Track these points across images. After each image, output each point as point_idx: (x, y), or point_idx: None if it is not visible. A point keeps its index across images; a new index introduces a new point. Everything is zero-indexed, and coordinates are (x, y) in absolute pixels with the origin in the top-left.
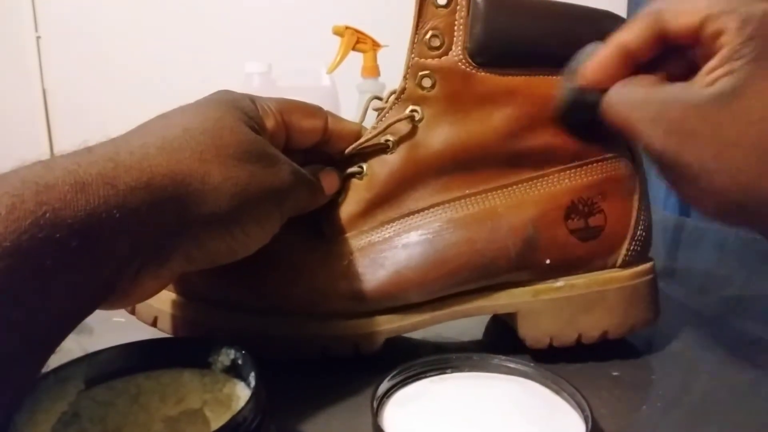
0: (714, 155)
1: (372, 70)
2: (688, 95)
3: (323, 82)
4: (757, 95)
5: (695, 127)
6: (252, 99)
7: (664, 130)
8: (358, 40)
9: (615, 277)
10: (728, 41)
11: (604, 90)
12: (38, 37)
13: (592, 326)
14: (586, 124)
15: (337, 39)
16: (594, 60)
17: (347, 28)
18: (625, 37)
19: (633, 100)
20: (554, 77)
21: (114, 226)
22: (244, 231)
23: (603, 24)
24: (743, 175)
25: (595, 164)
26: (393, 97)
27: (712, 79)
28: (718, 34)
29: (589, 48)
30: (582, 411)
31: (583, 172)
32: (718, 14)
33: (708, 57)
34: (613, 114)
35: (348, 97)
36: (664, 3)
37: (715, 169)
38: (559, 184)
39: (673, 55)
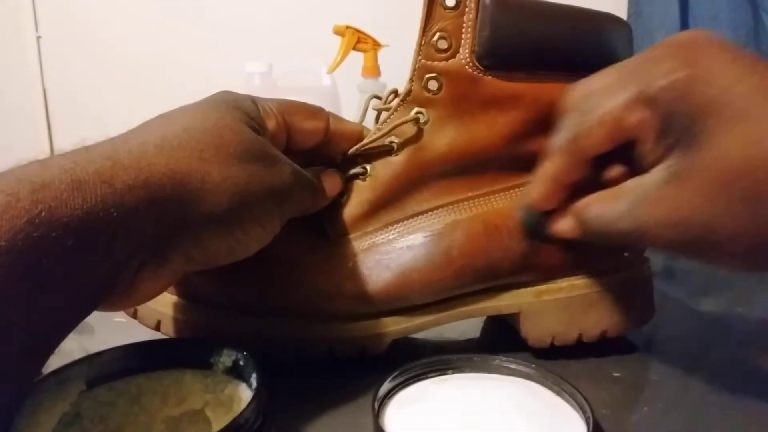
0: (704, 223)
1: (373, 70)
2: (645, 188)
3: (324, 81)
4: (701, 154)
5: (672, 211)
6: (253, 100)
7: (657, 231)
8: (359, 40)
9: (614, 277)
10: (649, 127)
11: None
12: (38, 37)
13: (592, 325)
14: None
15: (338, 39)
16: (536, 191)
17: (348, 27)
18: (553, 169)
19: (609, 219)
20: (559, 83)
21: (112, 225)
22: (243, 231)
23: (606, 27)
24: (741, 221)
25: None
26: (398, 99)
27: (652, 161)
28: (635, 127)
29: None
30: (583, 412)
31: None
32: (624, 111)
33: (636, 144)
34: (599, 236)
35: (349, 97)
36: (571, 124)
37: (720, 231)
38: None
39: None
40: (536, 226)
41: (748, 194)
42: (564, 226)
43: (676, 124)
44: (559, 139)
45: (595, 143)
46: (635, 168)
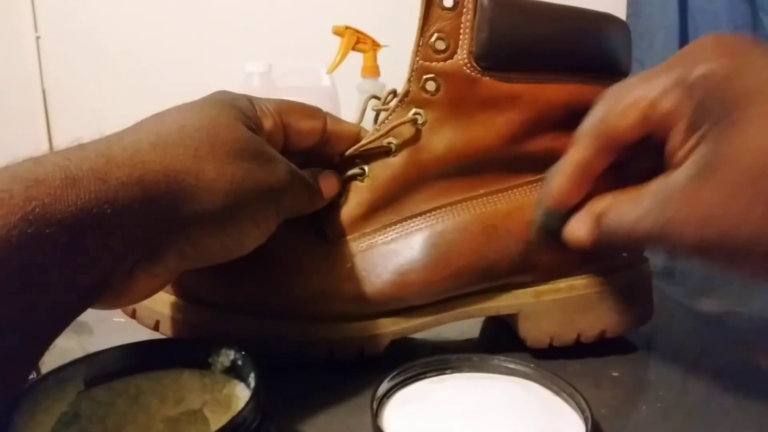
0: (731, 217)
1: (372, 70)
2: (670, 188)
3: (323, 82)
4: (732, 146)
5: (700, 207)
6: (250, 99)
7: (682, 232)
8: (358, 40)
9: (613, 278)
10: (682, 114)
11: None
12: (38, 38)
13: (590, 326)
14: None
15: (337, 39)
16: (556, 183)
17: (347, 28)
18: (579, 156)
19: (629, 220)
20: (557, 84)
21: (105, 221)
22: (238, 229)
23: (604, 27)
24: (765, 220)
25: None
26: (396, 99)
27: (681, 156)
28: (669, 113)
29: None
30: (582, 411)
31: None
32: (660, 96)
33: (667, 137)
34: (617, 238)
35: (348, 97)
36: (603, 109)
37: (744, 229)
38: None
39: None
40: (551, 230)
41: None
42: (580, 230)
43: (709, 114)
44: (587, 125)
45: (626, 127)
46: (660, 171)
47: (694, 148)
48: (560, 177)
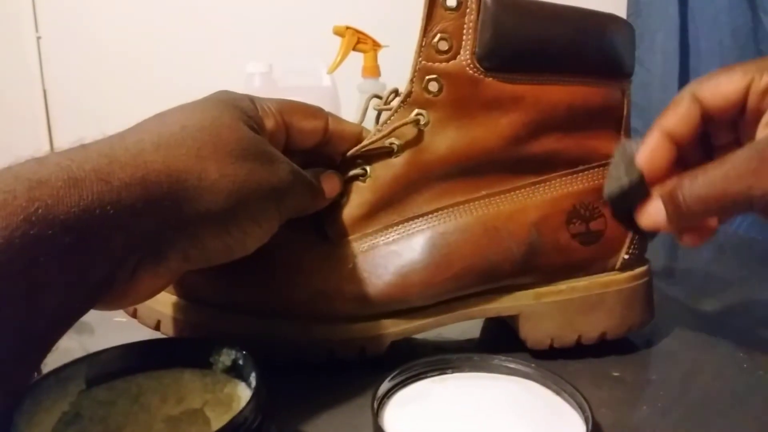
0: None
1: (372, 71)
2: (763, 147)
3: (324, 82)
4: None
5: None
6: (251, 99)
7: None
8: (359, 41)
9: (614, 279)
10: None
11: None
12: (39, 38)
13: (591, 327)
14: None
15: (338, 39)
16: (644, 148)
17: (348, 28)
18: (668, 122)
19: (717, 184)
20: (560, 85)
21: (108, 222)
22: (241, 229)
23: (608, 27)
24: None
25: (596, 169)
26: (398, 100)
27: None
28: (765, 91)
29: (631, 144)
30: (582, 411)
31: (584, 177)
32: (760, 76)
33: (757, 117)
34: (703, 203)
35: (349, 97)
36: (698, 83)
37: None
38: (561, 189)
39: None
40: (624, 209)
41: None
42: (654, 209)
43: None
44: (681, 92)
45: (719, 100)
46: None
47: None
48: (649, 139)
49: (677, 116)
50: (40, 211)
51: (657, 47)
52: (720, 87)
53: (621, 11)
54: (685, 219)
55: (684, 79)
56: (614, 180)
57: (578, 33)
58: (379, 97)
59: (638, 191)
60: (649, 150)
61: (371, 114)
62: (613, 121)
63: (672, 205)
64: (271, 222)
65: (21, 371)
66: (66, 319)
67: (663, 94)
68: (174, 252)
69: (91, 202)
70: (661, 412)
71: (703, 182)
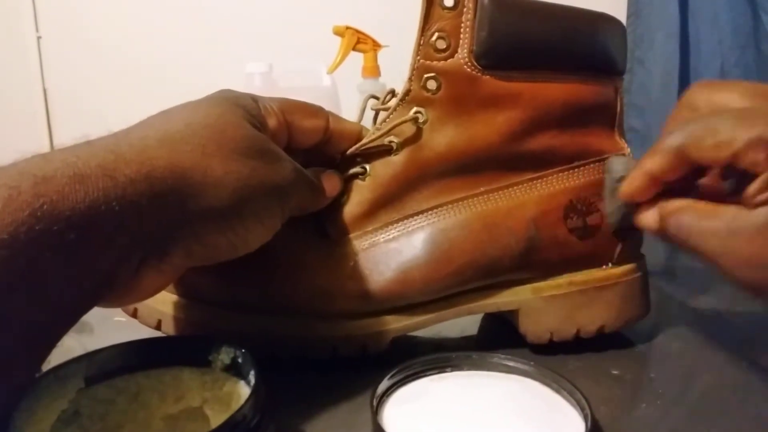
0: None
1: (372, 71)
2: (744, 223)
3: (324, 82)
4: None
5: (764, 253)
6: (254, 98)
7: (739, 263)
8: (359, 41)
9: (611, 273)
10: (764, 168)
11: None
12: (39, 38)
13: (589, 321)
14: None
15: (338, 39)
16: (627, 184)
17: (348, 28)
18: (651, 166)
19: (695, 232)
20: (556, 83)
21: (113, 218)
22: (244, 226)
23: (601, 26)
24: None
25: (592, 165)
26: (397, 98)
27: (761, 201)
28: (759, 162)
29: (617, 164)
30: (581, 409)
31: (581, 173)
32: (755, 144)
33: (746, 172)
34: (679, 241)
35: (348, 97)
36: (691, 134)
37: None
38: (558, 185)
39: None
40: (622, 214)
41: None
42: (649, 219)
43: None
44: (671, 141)
45: (705, 160)
46: (736, 190)
47: None
48: (633, 179)
49: (658, 162)
50: (45, 207)
51: (657, 47)
52: (704, 150)
53: (621, 11)
54: (667, 239)
55: (684, 78)
56: (607, 210)
57: (573, 32)
58: (377, 98)
59: (629, 211)
60: (631, 189)
61: (369, 114)
62: (607, 118)
63: (661, 226)
64: (274, 220)
65: (24, 369)
66: (70, 315)
67: (663, 94)
68: (177, 248)
69: (96, 198)
70: (661, 410)
71: (683, 222)
